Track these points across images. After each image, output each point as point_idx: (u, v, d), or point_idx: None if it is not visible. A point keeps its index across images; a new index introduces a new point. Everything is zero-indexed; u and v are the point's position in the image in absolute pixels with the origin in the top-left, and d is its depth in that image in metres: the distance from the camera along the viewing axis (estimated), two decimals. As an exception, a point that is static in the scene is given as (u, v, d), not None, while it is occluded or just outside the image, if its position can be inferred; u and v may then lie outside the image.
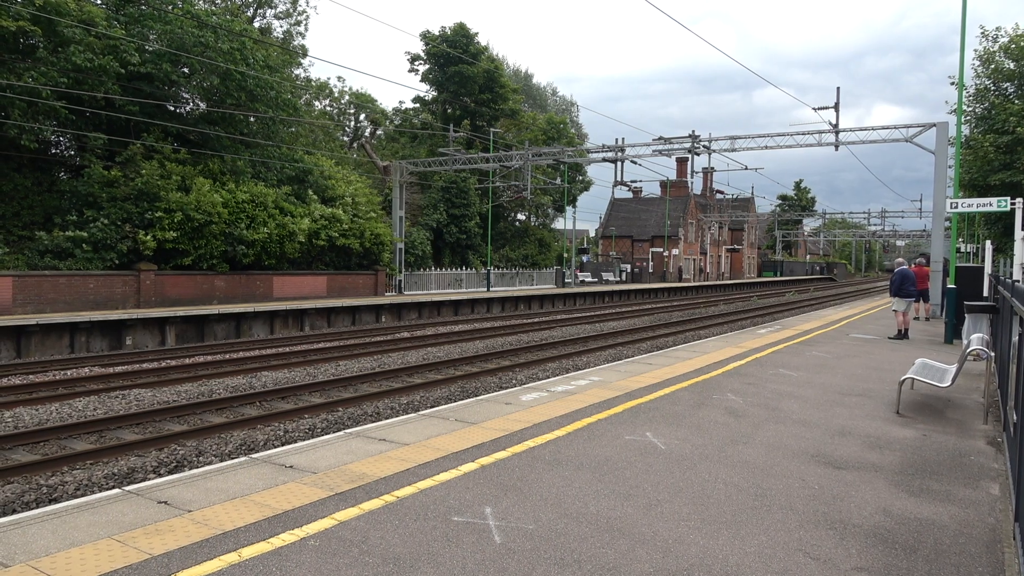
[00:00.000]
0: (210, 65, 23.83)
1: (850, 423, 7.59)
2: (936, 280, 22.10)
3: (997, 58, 26.79)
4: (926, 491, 5.40)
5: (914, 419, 7.92)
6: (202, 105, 26.85)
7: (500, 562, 3.92)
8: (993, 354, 9.30)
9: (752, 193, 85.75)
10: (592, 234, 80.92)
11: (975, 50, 28.17)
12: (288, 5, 33.99)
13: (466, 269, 39.91)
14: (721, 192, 78.10)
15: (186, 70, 25.04)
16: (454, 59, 43.31)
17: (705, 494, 5.15)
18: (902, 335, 16.03)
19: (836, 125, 26.74)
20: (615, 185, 31.59)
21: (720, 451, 6.31)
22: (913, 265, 22.34)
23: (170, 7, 24.11)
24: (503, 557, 3.99)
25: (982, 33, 27.25)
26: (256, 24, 31.92)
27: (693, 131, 28.56)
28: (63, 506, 4.66)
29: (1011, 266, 20.94)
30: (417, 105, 48.28)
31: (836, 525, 4.63)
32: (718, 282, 67.74)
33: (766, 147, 28.42)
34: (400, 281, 33.80)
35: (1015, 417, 5.16)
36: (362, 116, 48.33)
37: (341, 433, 6.73)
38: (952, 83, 24.25)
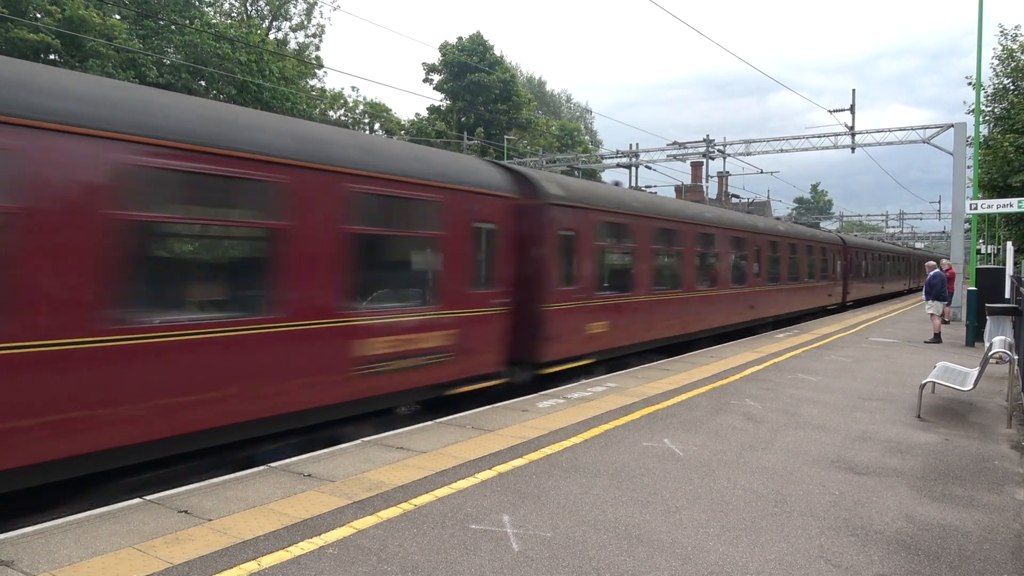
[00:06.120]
0: (228, 77, 24.12)
1: (870, 428, 7.50)
2: (956, 283, 21.84)
3: (1017, 56, 26.42)
4: (949, 496, 5.32)
5: (936, 423, 7.82)
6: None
7: (518, 570, 3.91)
8: (1016, 356, 9.15)
9: (768, 196, 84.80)
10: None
11: (992, 49, 27.88)
12: (303, 17, 34.41)
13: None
14: (736, 196, 77.44)
15: (203, 83, 25.36)
16: (470, 68, 43.52)
17: (724, 500, 5.11)
18: (938, 338, 15.92)
19: (852, 127, 26.55)
20: (630, 190, 31.49)
21: (739, 457, 6.26)
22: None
23: (188, 21, 24.47)
24: (521, 565, 3.98)
25: (1001, 31, 26.89)
26: (272, 36, 32.29)
27: (707, 135, 28.48)
28: (85, 515, 4.71)
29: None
30: (432, 115, 48.59)
31: (858, 531, 4.57)
32: (735, 286, 67.08)
33: (781, 150, 28.29)
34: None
35: (1039, 421, 5.07)
36: (377, 125, 48.66)
37: (358, 441, 6.75)
38: (970, 83, 23.95)
